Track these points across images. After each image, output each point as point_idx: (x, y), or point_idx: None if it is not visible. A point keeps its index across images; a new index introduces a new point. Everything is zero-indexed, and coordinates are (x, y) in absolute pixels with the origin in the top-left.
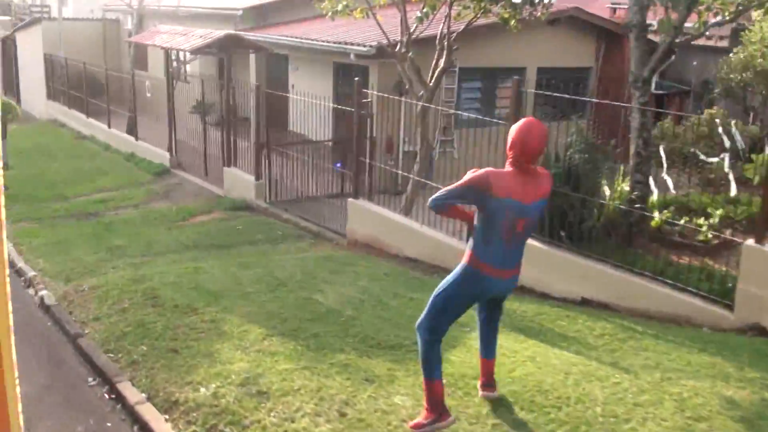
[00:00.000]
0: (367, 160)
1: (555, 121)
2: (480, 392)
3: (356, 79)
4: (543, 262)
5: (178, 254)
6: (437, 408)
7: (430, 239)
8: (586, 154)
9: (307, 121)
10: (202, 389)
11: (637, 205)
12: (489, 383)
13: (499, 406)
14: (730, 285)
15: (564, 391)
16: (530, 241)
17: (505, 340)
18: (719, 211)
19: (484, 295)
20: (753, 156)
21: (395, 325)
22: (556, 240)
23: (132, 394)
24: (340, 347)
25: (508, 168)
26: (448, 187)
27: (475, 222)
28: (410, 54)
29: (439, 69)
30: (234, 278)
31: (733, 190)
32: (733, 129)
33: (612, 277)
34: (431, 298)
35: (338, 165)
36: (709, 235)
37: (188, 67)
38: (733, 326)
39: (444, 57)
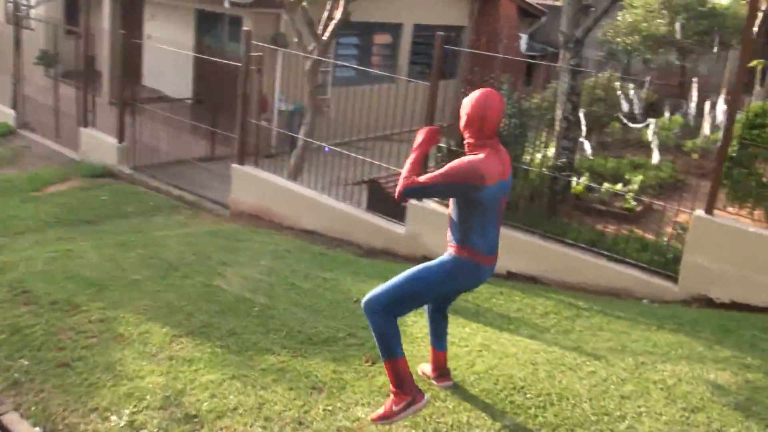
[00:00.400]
0: (255, 121)
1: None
2: (438, 384)
3: (245, 29)
4: None
5: (41, 233)
6: (409, 388)
7: (330, 209)
8: (515, 118)
9: (165, 75)
10: (113, 417)
11: (564, 173)
12: (444, 374)
13: (478, 409)
14: (671, 256)
15: (541, 387)
16: (440, 210)
17: (455, 329)
18: (639, 177)
19: (475, 285)
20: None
21: (318, 312)
22: None
23: (24, 429)
24: (267, 346)
25: (476, 151)
26: (428, 182)
27: (460, 212)
28: (303, 3)
29: (335, 21)
30: (114, 262)
31: (656, 157)
32: (632, 92)
33: (542, 249)
34: (401, 280)
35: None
36: (633, 202)
37: (32, 12)
38: (677, 298)
39: (341, 8)
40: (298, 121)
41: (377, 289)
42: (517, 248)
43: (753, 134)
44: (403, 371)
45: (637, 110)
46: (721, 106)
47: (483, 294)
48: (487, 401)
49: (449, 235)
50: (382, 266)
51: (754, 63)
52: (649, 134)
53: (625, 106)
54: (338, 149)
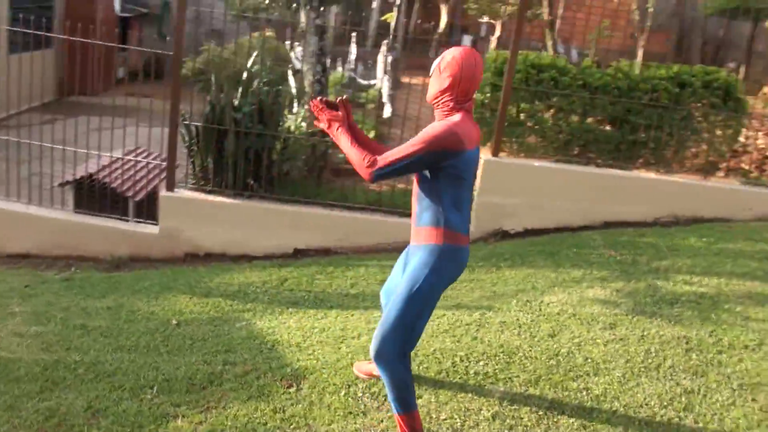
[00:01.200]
0: None
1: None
2: None
3: None
4: (238, 219)
5: None
6: None
7: (47, 223)
8: (273, 86)
9: None
10: None
11: (325, 137)
12: None
13: (468, 393)
14: None
15: (482, 350)
16: (218, 199)
17: (318, 322)
18: (371, 133)
19: (459, 274)
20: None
21: (154, 350)
22: (248, 190)
23: None
24: (155, 412)
25: (455, 114)
26: (402, 157)
27: (432, 185)
28: None
29: None
30: None
31: (387, 112)
32: (297, 49)
33: (327, 219)
34: (400, 309)
35: None
36: None
37: None
38: (474, 237)
39: None
40: None
41: (381, 334)
42: (302, 223)
43: (503, 80)
44: (419, 425)
45: (303, 68)
46: (382, 59)
47: (299, 278)
48: (457, 381)
49: (416, 217)
50: (156, 276)
51: (387, 16)
52: (384, 92)
53: (297, 64)
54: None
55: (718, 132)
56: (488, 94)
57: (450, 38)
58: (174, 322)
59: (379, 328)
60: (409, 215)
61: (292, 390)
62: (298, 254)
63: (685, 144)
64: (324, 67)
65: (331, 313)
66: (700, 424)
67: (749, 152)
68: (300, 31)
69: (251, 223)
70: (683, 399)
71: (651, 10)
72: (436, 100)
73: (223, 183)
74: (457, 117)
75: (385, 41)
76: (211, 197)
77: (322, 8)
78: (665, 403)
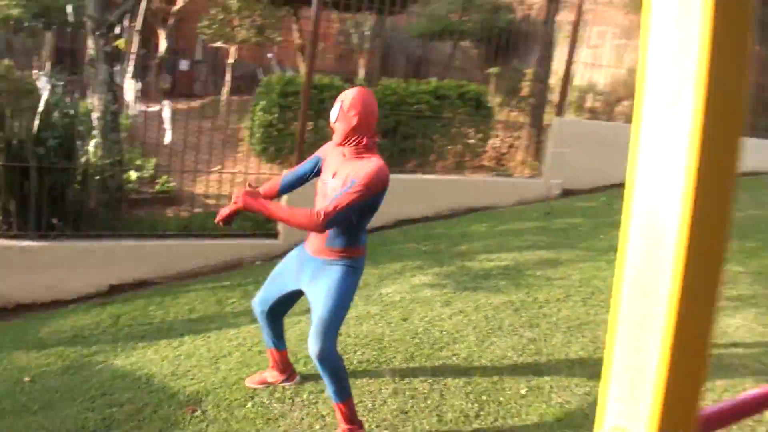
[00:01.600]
0: None
1: None
2: (292, 383)
3: None
4: (47, 262)
5: None
6: (357, 418)
7: None
8: (72, 117)
9: None
10: None
11: (125, 168)
12: (293, 370)
13: (355, 378)
14: (259, 219)
15: (350, 342)
16: (23, 243)
17: (178, 350)
18: (153, 161)
19: None
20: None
21: (24, 410)
22: (54, 230)
23: None
24: None
25: (371, 153)
26: (348, 203)
27: (352, 219)
28: None
29: None
30: None
31: (168, 138)
32: (42, 79)
33: (139, 250)
34: (333, 311)
35: None
36: (172, 184)
37: None
38: (281, 250)
39: None
40: None
41: (321, 336)
42: (114, 258)
43: (288, 101)
44: (353, 406)
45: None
46: (132, 85)
47: (130, 314)
48: (358, 369)
49: (329, 239)
50: None
51: (118, 42)
52: (165, 113)
53: (44, 94)
54: None
55: (471, 136)
56: (276, 115)
57: (169, 63)
58: (26, 379)
59: (315, 332)
60: (221, 237)
61: (198, 413)
62: (114, 291)
63: (446, 147)
64: (116, 96)
65: (186, 339)
66: (553, 361)
67: (486, 151)
68: (89, 59)
69: (61, 266)
70: (531, 346)
71: (367, 33)
72: (347, 140)
73: (26, 225)
74: (377, 157)
75: (124, 66)
76: (14, 242)
77: (112, 34)
78: (519, 352)
